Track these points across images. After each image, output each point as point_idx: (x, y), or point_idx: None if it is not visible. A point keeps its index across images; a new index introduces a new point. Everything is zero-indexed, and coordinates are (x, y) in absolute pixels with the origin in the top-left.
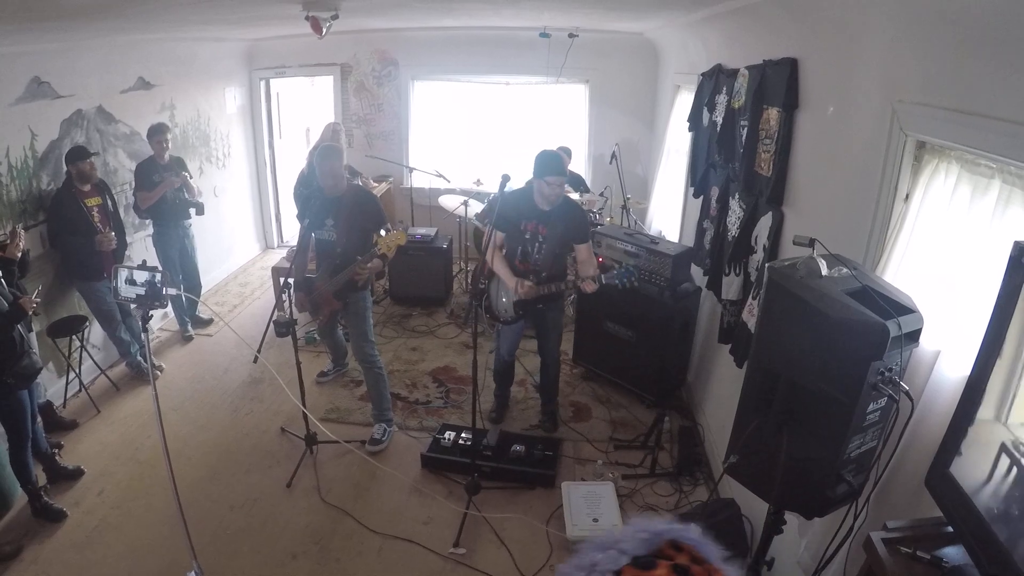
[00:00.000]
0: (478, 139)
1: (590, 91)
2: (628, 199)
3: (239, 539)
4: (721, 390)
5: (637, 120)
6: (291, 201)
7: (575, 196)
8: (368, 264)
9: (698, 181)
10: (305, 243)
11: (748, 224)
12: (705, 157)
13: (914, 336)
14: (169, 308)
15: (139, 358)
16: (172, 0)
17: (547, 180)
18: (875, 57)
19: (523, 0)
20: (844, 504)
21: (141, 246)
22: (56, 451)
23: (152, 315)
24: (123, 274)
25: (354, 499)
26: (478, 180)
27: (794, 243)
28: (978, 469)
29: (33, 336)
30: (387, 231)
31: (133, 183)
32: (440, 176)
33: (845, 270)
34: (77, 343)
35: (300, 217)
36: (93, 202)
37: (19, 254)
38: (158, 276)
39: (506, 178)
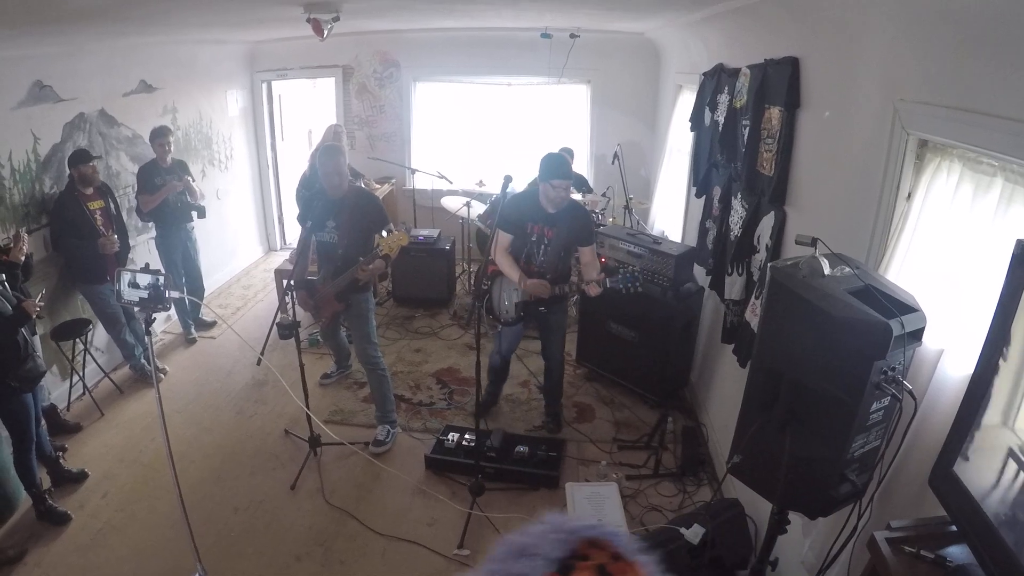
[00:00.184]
0: (480, 140)
1: (592, 91)
2: (630, 199)
3: (243, 541)
4: (724, 390)
5: (639, 120)
6: (293, 203)
7: (577, 196)
8: (370, 265)
9: (700, 181)
10: (306, 245)
11: (750, 224)
12: (707, 157)
13: (917, 335)
14: (172, 311)
15: (143, 361)
16: (173, 3)
17: (552, 183)
18: (876, 56)
19: (524, 1)
20: (848, 504)
21: (144, 249)
22: (60, 454)
23: (155, 318)
24: (126, 277)
25: (358, 501)
26: (480, 181)
27: (796, 242)
28: (985, 474)
29: (37, 339)
30: (389, 232)
31: (136, 186)
32: (442, 177)
33: (848, 269)
34: (81, 346)
35: (301, 219)
36: (96, 205)
37: (22, 258)
38: (161, 279)
39: (508, 179)
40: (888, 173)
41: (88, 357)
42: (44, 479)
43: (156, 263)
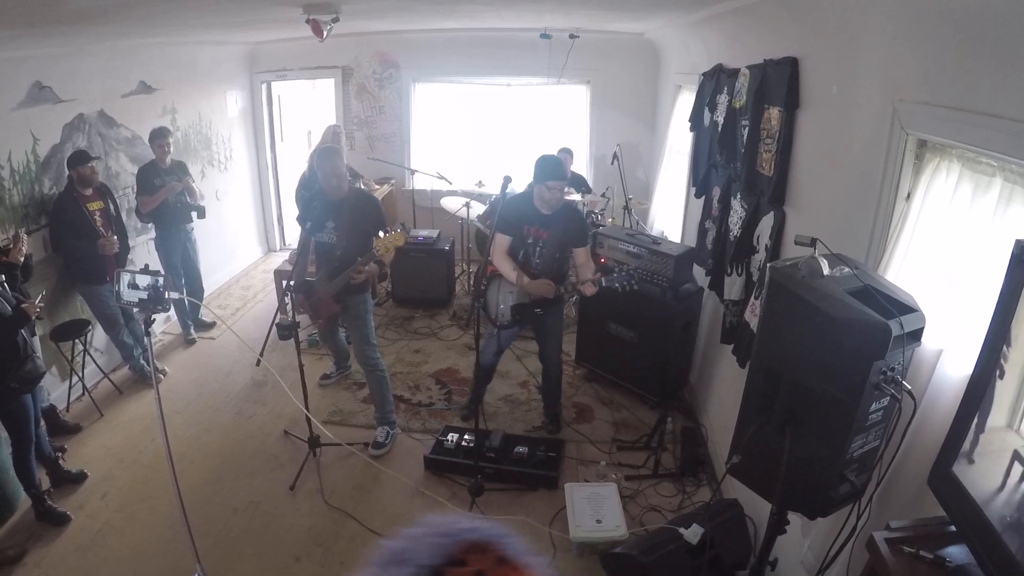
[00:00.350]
0: (480, 141)
1: (591, 92)
2: (630, 200)
3: (242, 542)
4: (724, 390)
5: (638, 120)
6: (293, 204)
7: (576, 197)
8: (366, 267)
9: (700, 181)
10: (306, 246)
11: (750, 224)
12: (707, 157)
13: (916, 335)
14: (172, 312)
15: (142, 362)
16: (173, 4)
17: (548, 185)
18: (876, 56)
19: (523, 1)
20: (847, 504)
21: (143, 250)
22: (59, 455)
23: (155, 319)
24: (125, 278)
25: (357, 501)
26: (480, 182)
27: (796, 243)
28: (991, 477)
29: (36, 340)
30: (386, 233)
31: (135, 187)
32: (442, 178)
33: (847, 269)
34: (80, 347)
35: (301, 220)
36: (95, 206)
37: (21, 259)
38: (160, 280)
39: (508, 180)
40: (887, 173)
41: (87, 358)
42: (43, 480)
43: (156, 264)
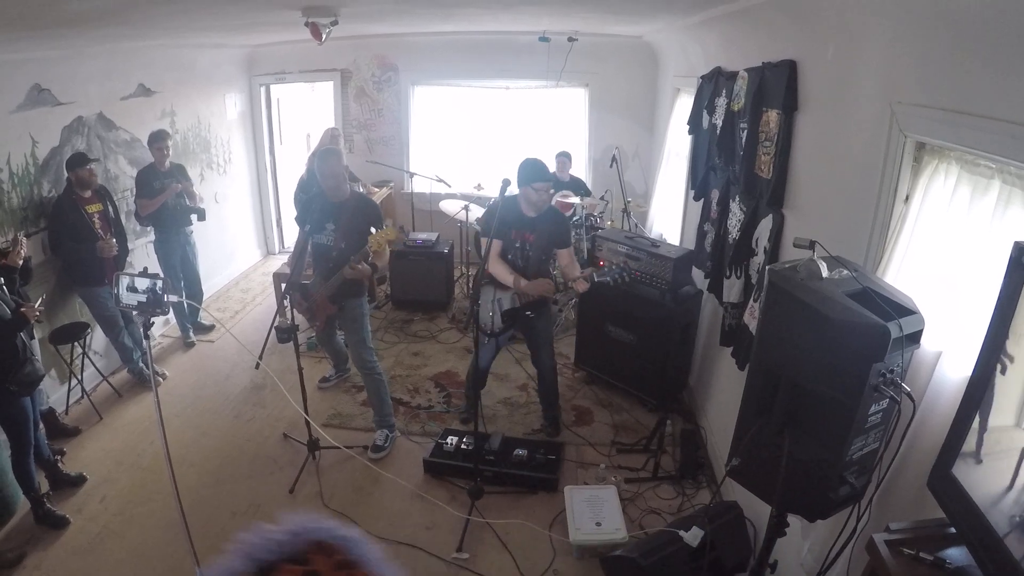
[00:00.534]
0: (478, 144)
1: (590, 95)
2: (629, 202)
3: None
4: (723, 393)
5: (637, 123)
6: (292, 207)
7: (576, 200)
8: (359, 264)
9: (698, 184)
10: (303, 248)
11: (749, 226)
12: (705, 160)
13: (915, 337)
14: (171, 315)
15: (141, 365)
16: (171, 7)
17: (534, 187)
18: (874, 58)
19: (521, 5)
20: (847, 506)
21: (142, 252)
22: (58, 458)
23: (154, 322)
24: (124, 281)
25: (357, 504)
26: (479, 185)
27: (795, 245)
28: (994, 477)
29: (35, 343)
30: (378, 230)
31: (134, 190)
32: (441, 181)
33: (846, 272)
34: (79, 350)
35: (300, 221)
36: (94, 209)
37: (20, 262)
38: (159, 283)
39: (507, 183)
40: (886, 175)
41: (86, 361)
42: (42, 483)
43: (155, 267)
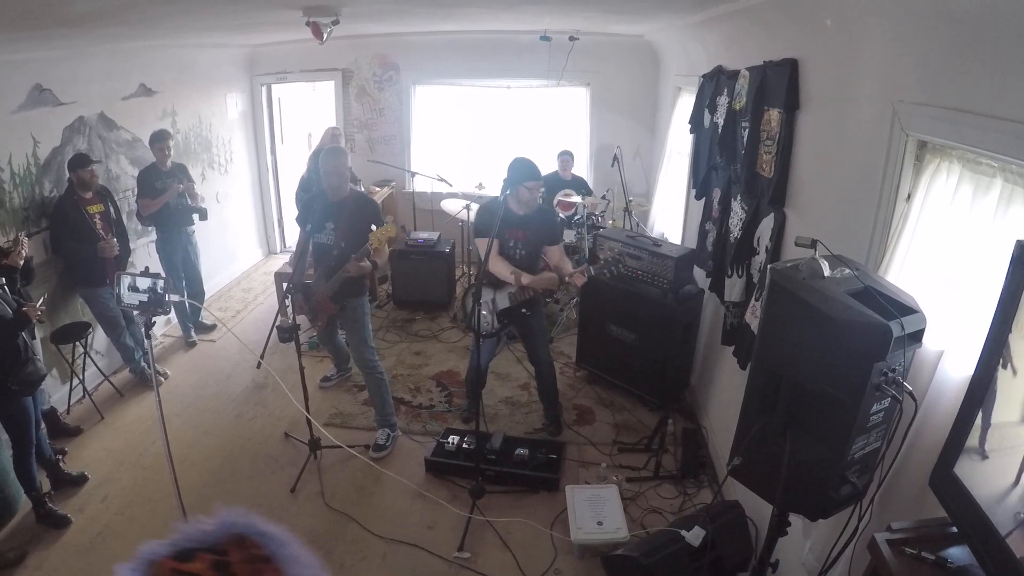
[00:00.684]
0: (480, 143)
1: (591, 94)
2: (630, 201)
3: None
4: (724, 392)
5: (638, 122)
6: (293, 206)
7: (577, 199)
8: (360, 262)
9: (700, 183)
10: (305, 248)
11: (750, 225)
12: (707, 159)
13: (917, 336)
14: (172, 314)
15: (143, 364)
16: (172, 7)
17: (527, 185)
18: (875, 57)
19: (523, 4)
20: (848, 505)
21: (144, 252)
22: (60, 457)
23: (155, 321)
24: (126, 281)
25: (358, 504)
26: (480, 184)
27: (796, 244)
28: (1000, 475)
29: (37, 342)
30: (378, 227)
31: (135, 190)
32: (442, 180)
33: (847, 271)
34: (81, 349)
35: (300, 221)
36: (95, 209)
37: (21, 262)
38: (160, 283)
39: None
40: (887, 174)
41: (88, 360)
42: (44, 482)
43: (156, 266)
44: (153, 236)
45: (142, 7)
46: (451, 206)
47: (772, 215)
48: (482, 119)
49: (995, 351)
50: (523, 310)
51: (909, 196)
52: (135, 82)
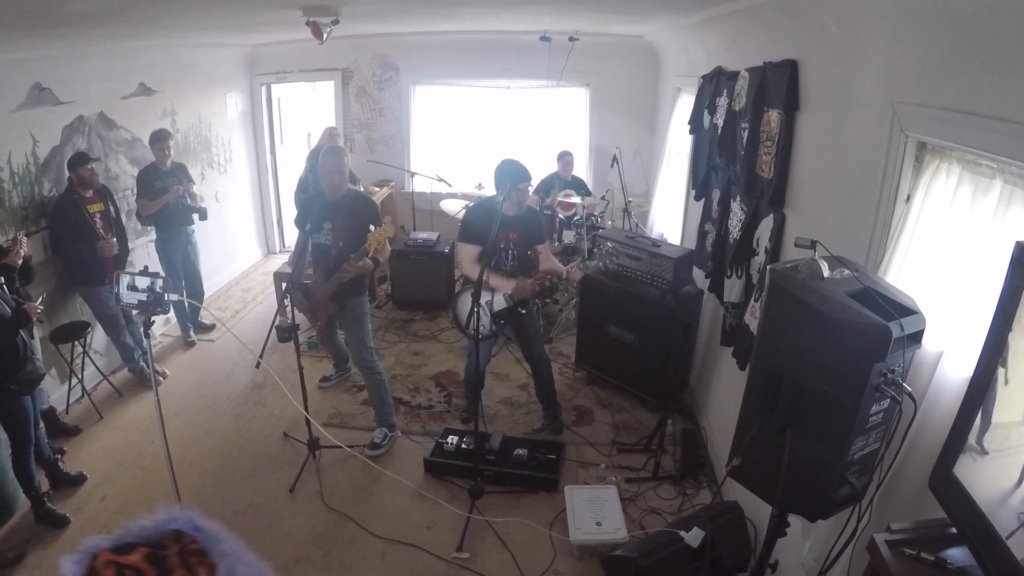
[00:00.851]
0: (479, 143)
1: (591, 94)
2: (630, 202)
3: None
4: (724, 393)
5: (638, 123)
6: (292, 206)
7: (577, 199)
8: (358, 263)
9: (699, 184)
10: (304, 248)
11: (750, 226)
12: (706, 160)
13: (916, 337)
14: (171, 314)
15: (142, 364)
16: (172, 7)
17: (520, 187)
18: (875, 58)
19: (523, 4)
20: (848, 506)
21: (143, 252)
22: (59, 457)
23: (154, 321)
24: (125, 280)
25: (357, 504)
26: (479, 184)
27: (796, 245)
28: (1000, 476)
29: (36, 342)
30: (376, 227)
31: (135, 189)
32: (441, 180)
33: (847, 272)
34: (80, 349)
35: (300, 222)
36: (95, 208)
37: (19, 261)
38: (159, 282)
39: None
40: (887, 175)
41: (87, 360)
42: (43, 482)
43: (156, 266)
44: (152, 235)
45: (142, 7)
46: (450, 206)
47: (771, 216)
48: (482, 119)
49: (995, 352)
50: (520, 309)
51: (909, 197)
52: (135, 81)
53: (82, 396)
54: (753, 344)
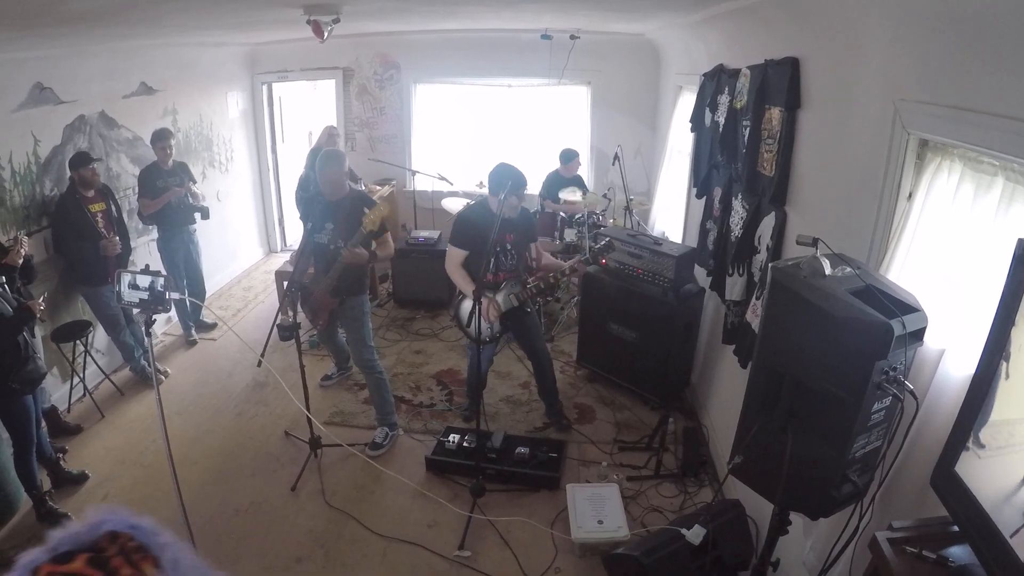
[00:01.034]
0: (480, 142)
1: (592, 92)
2: (631, 200)
3: (243, 543)
4: (725, 391)
5: (639, 121)
6: (293, 205)
7: (578, 198)
8: (356, 248)
9: (701, 182)
10: (306, 247)
11: (751, 224)
12: (708, 158)
13: (918, 335)
14: (173, 312)
15: (143, 363)
16: (172, 6)
17: (518, 193)
18: (876, 55)
19: (523, 2)
20: (849, 504)
21: (144, 251)
22: (60, 456)
23: (155, 319)
24: (126, 279)
25: (358, 502)
26: (481, 183)
27: (797, 243)
28: (1002, 474)
29: (38, 341)
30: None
31: (136, 189)
32: (443, 179)
33: (849, 269)
34: (81, 348)
35: (303, 220)
36: (97, 207)
37: (20, 261)
38: (161, 280)
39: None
40: (889, 173)
41: (88, 359)
42: (45, 481)
43: (157, 265)
44: (154, 235)
45: (142, 6)
46: (452, 205)
47: (773, 214)
48: (483, 118)
49: (997, 349)
50: (527, 308)
51: (910, 195)
52: (136, 80)
53: (84, 395)
54: (755, 342)
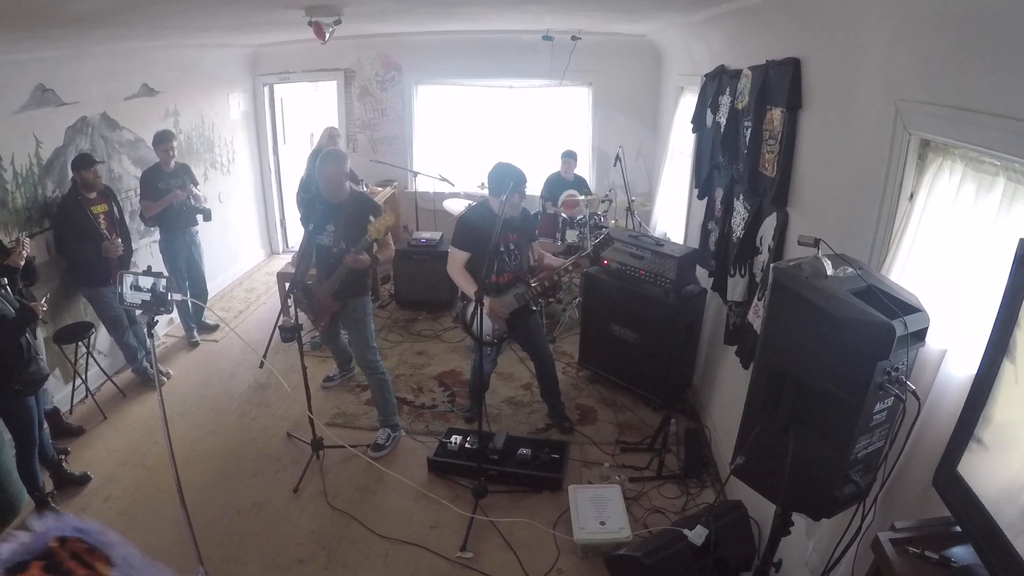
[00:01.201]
0: (482, 143)
1: (593, 93)
2: (633, 201)
3: (246, 544)
4: (727, 391)
5: (641, 122)
6: (295, 206)
7: (580, 198)
8: (359, 255)
9: (702, 182)
10: (307, 248)
11: (753, 225)
12: (709, 158)
13: (920, 335)
14: (175, 314)
15: (145, 364)
16: (173, 7)
17: (521, 190)
18: (877, 56)
19: (524, 3)
20: (851, 505)
21: (147, 252)
22: (63, 457)
23: (157, 321)
24: (128, 280)
25: (361, 504)
26: (482, 184)
27: (799, 243)
28: (1004, 474)
29: (40, 342)
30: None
31: (138, 190)
32: (444, 180)
33: (850, 270)
34: (84, 349)
35: (304, 222)
36: (99, 209)
37: (21, 263)
38: (163, 281)
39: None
40: (890, 173)
41: (91, 360)
42: (47, 482)
43: (159, 266)
44: (156, 236)
45: (144, 7)
46: (453, 206)
47: (775, 214)
48: (484, 119)
49: (999, 350)
50: (534, 307)
51: (912, 195)
52: (137, 82)
53: (86, 396)
54: (757, 343)
